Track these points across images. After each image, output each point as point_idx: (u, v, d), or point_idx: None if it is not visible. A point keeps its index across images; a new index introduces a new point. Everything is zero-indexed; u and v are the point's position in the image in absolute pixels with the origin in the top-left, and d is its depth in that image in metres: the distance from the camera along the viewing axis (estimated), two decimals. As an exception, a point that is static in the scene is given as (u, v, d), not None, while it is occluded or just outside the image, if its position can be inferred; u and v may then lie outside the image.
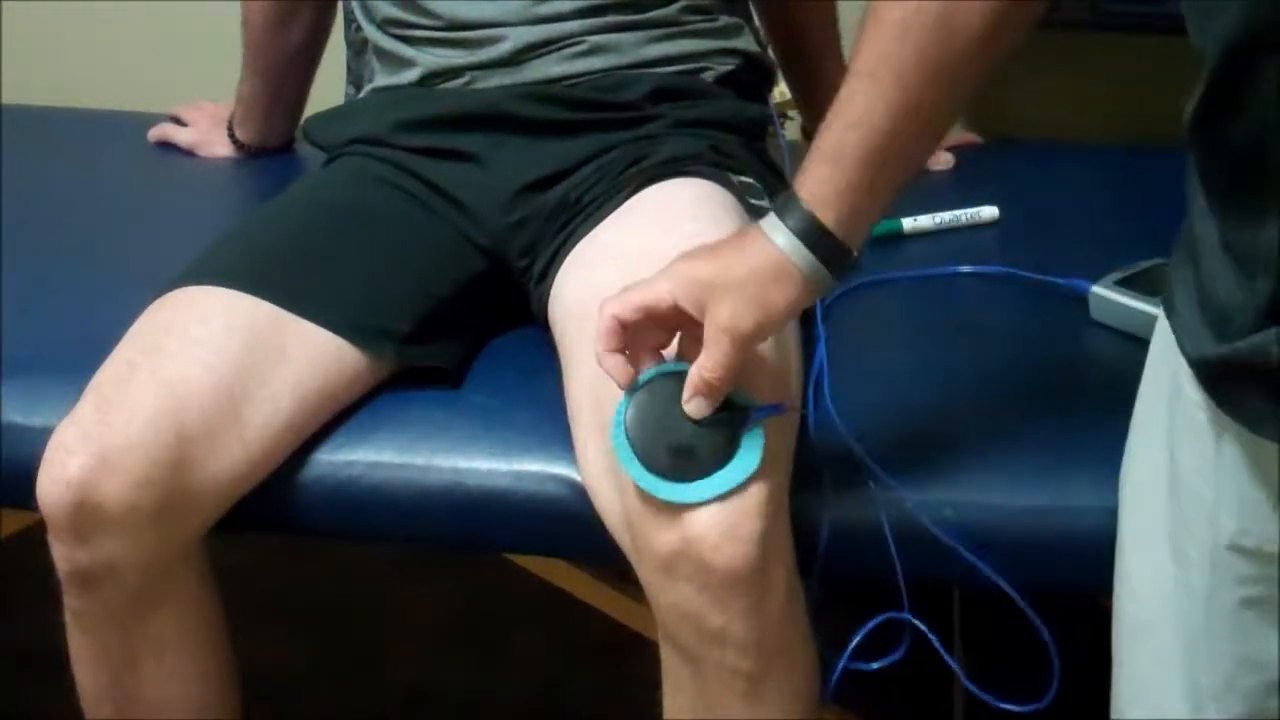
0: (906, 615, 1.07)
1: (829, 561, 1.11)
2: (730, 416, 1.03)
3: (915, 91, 0.97)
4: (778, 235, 1.01)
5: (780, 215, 1.01)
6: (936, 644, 1.05)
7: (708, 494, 1.02)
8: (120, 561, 1.14)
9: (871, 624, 1.06)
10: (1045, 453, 1.18)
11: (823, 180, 1.00)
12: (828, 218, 1.00)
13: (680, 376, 1.02)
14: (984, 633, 1.69)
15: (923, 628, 1.06)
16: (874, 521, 1.10)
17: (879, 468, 1.12)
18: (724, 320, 0.99)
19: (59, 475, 1.13)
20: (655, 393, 1.04)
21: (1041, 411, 1.22)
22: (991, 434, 1.20)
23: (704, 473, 1.02)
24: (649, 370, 1.05)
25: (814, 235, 1.00)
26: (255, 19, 1.66)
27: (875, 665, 1.05)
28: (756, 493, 1.03)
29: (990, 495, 1.16)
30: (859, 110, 0.99)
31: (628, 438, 1.04)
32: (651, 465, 1.03)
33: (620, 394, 1.05)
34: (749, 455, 1.03)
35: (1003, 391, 1.25)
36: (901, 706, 1.10)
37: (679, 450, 1.03)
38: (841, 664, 1.06)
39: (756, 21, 1.57)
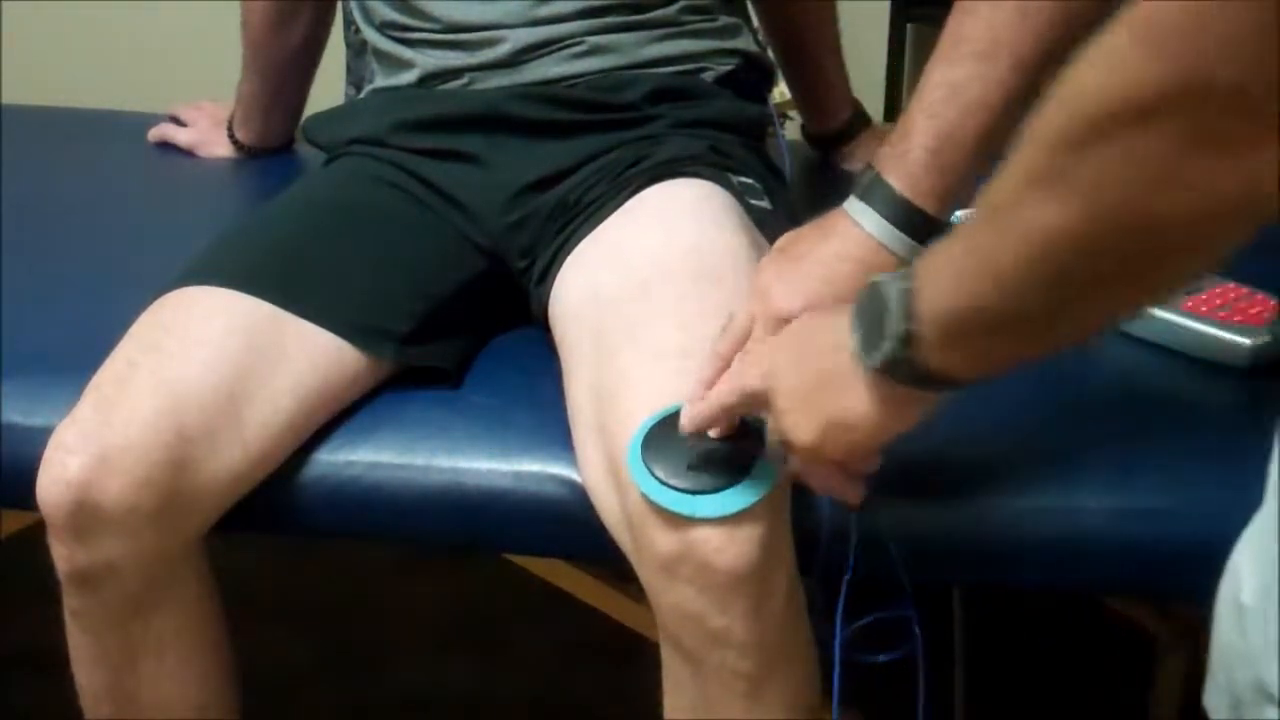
0: (910, 611, 1.07)
1: (829, 562, 1.11)
2: (747, 439, 1.04)
3: (1031, 75, 0.95)
4: (897, 246, 1.00)
5: (906, 229, 1.00)
6: (918, 637, 1.05)
7: (716, 510, 1.03)
8: (120, 561, 1.14)
9: (871, 618, 1.06)
10: (1045, 453, 1.18)
11: (949, 175, 0.98)
12: (945, 215, 0.99)
13: None
14: (984, 632, 1.69)
15: (916, 625, 1.06)
16: (874, 521, 1.10)
17: (878, 468, 1.12)
18: None
19: (59, 475, 1.13)
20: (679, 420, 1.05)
21: (1042, 411, 1.22)
22: (992, 434, 1.20)
23: (715, 488, 1.03)
24: (673, 405, 1.06)
25: (937, 233, 0.97)
26: (255, 20, 1.66)
27: (883, 658, 1.05)
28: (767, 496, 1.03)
29: (991, 495, 1.16)
30: (977, 95, 0.96)
31: (644, 454, 1.04)
32: (665, 480, 1.03)
33: (630, 407, 1.07)
34: (763, 476, 1.03)
35: (1003, 391, 1.25)
36: (901, 706, 1.09)
37: (693, 467, 1.03)
38: (840, 650, 1.05)
39: (755, 22, 1.57)
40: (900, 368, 0.86)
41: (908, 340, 0.84)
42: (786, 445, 0.96)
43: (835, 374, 0.91)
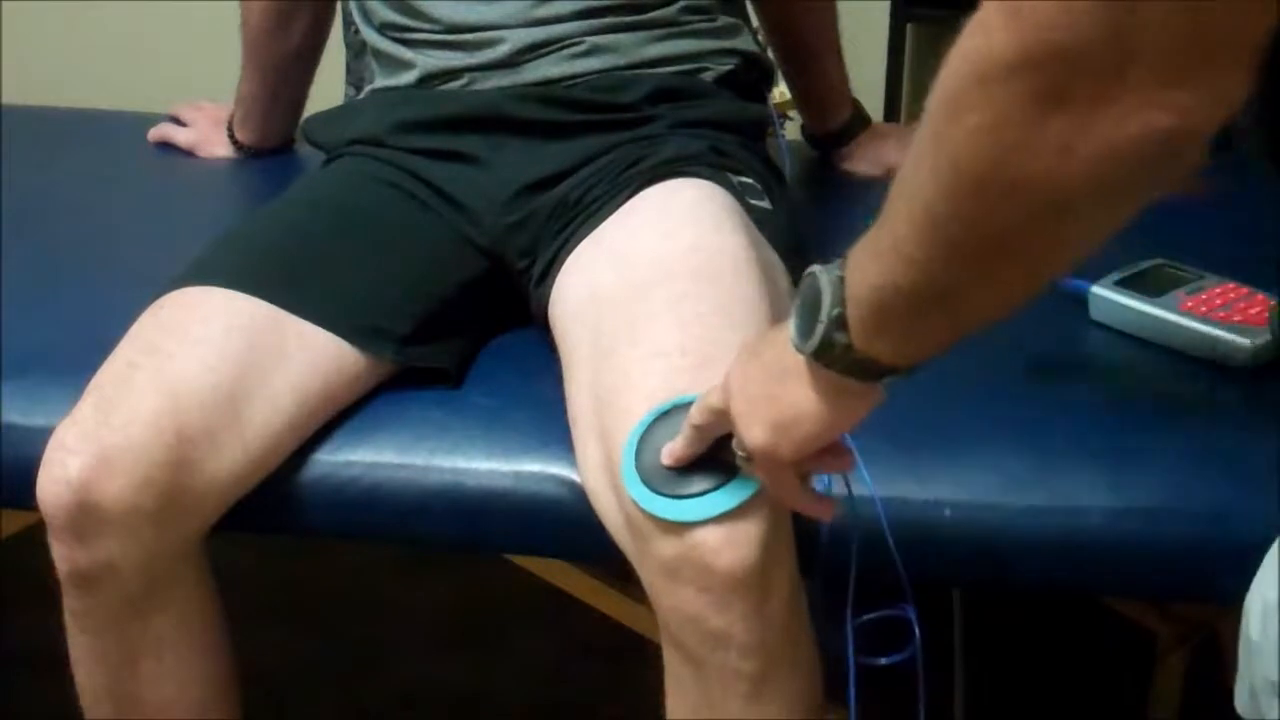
0: (910, 612, 1.07)
1: (829, 562, 1.11)
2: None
3: None
4: None
5: None
6: (915, 636, 1.05)
7: (703, 514, 1.03)
8: (120, 562, 1.14)
9: (873, 615, 1.06)
10: (1045, 453, 1.18)
11: None
12: None
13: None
14: (984, 632, 1.70)
15: (915, 625, 1.06)
16: (874, 521, 1.10)
17: (878, 468, 1.12)
18: None
19: (59, 475, 1.13)
20: (673, 418, 1.05)
21: (1042, 411, 1.22)
22: (991, 434, 1.20)
23: (703, 491, 1.03)
24: (665, 403, 1.06)
25: None
26: (254, 20, 1.65)
27: (883, 661, 1.05)
28: (757, 496, 1.03)
29: (990, 495, 1.16)
30: None
31: (637, 459, 1.04)
32: (654, 484, 1.04)
33: (629, 407, 1.07)
34: (748, 478, 1.03)
35: (1003, 391, 1.25)
36: (901, 706, 1.09)
37: (683, 470, 1.04)
38: (852, 659, 1.05)
39: (755, 21, 1.57)
40: (833, 353, 0.87)
41: (839, 323, 0.85)
42: (748, 453, 0.97)
43: (779, 373, 0.92)
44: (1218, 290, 1.30)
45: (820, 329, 0.86)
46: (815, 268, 0.88)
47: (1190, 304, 1.28)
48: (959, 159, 0.71)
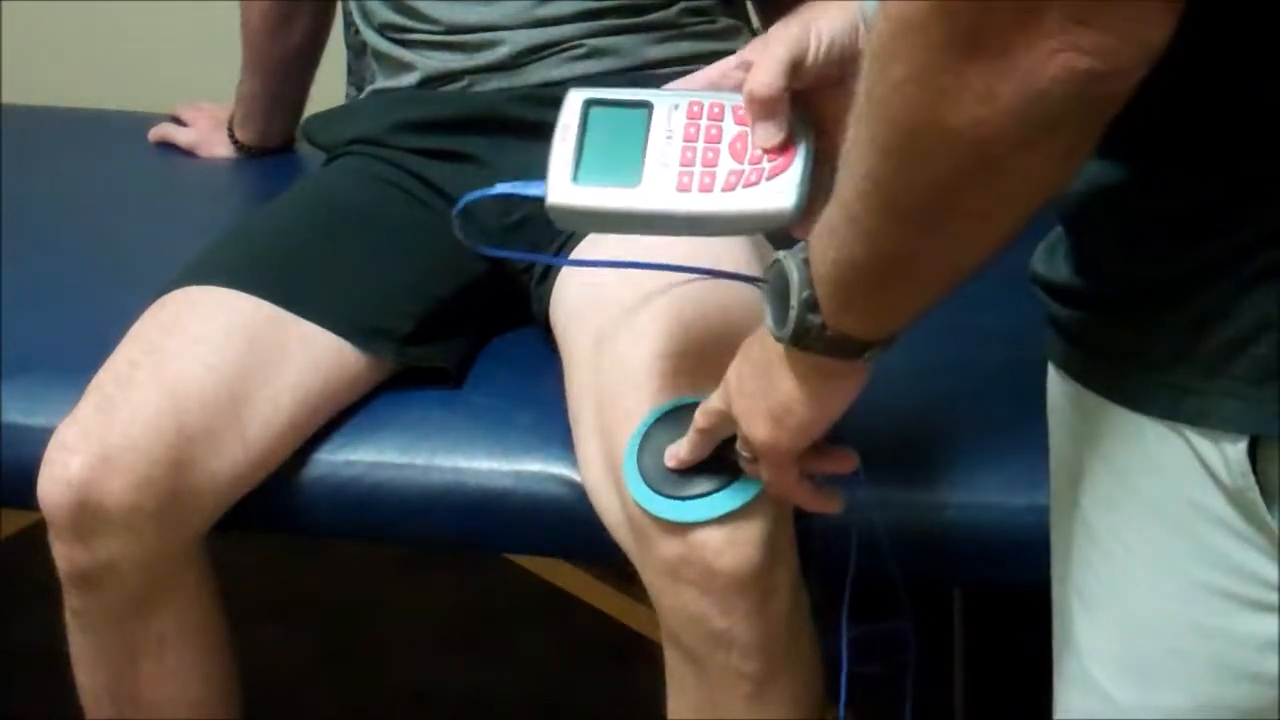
0: (906, 620, 1.07)
1: (827, 563, 1.11)
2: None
3: None
4: None
5: None
6: (910, 644, 1.04)
7: (706, 514, 1.03)
8: (121, 561, 1.14)
9: (868, 627, 1.06)
10: (1045, 452, 1.17)
11: None
12: None
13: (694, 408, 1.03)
14: (984, 633, 1.69)
15: (910, 634, 1.06)
16: (872, 522, 1.10)
17: (877, 468, 1.12)
18: None
19: (60, 475, 1.13)
20: (674, 419, 1.05)
21: (1042, 410, 1.22)
22: (991, 433, 1.20)
23: (707, 492, 1.03)
24: (667, 403, 1.06)
25: None
26: (254, 21, 1.65)
27: (878, 669, 1.05)
28: (760, 497, 1.03)
29: (990, 495, 1.16)
30: None
31: (638, 460, 1.05)
32: (656, 485, 1.04)
33: (631, 408, 1.07)
34: (750, 480, 1.03)
35: (1002, 390, 1.25)
36: (900, 707, 1.09)
37: (685, 472, 1.04)
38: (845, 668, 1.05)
39: (756, 23, 1.57)
40: (809, 335, 0.86)
41: (811, 305, 0.85)
42: (751, 449, 0.97)
43: (766, 366, 0.92)
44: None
45: (793, 314, 0.86)
46: (781, 253, 0.87)
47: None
48: (890, 113, 0.70)
